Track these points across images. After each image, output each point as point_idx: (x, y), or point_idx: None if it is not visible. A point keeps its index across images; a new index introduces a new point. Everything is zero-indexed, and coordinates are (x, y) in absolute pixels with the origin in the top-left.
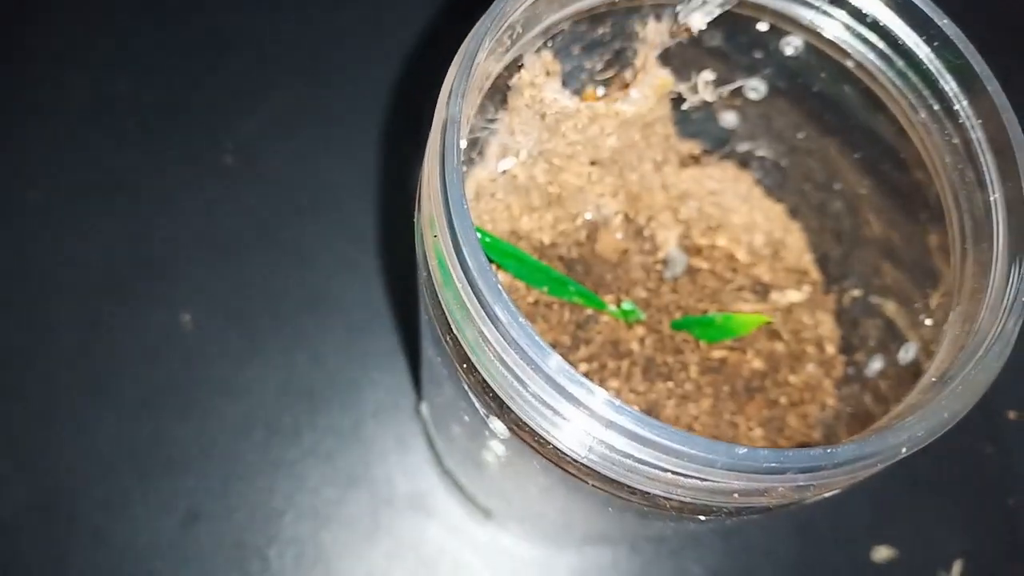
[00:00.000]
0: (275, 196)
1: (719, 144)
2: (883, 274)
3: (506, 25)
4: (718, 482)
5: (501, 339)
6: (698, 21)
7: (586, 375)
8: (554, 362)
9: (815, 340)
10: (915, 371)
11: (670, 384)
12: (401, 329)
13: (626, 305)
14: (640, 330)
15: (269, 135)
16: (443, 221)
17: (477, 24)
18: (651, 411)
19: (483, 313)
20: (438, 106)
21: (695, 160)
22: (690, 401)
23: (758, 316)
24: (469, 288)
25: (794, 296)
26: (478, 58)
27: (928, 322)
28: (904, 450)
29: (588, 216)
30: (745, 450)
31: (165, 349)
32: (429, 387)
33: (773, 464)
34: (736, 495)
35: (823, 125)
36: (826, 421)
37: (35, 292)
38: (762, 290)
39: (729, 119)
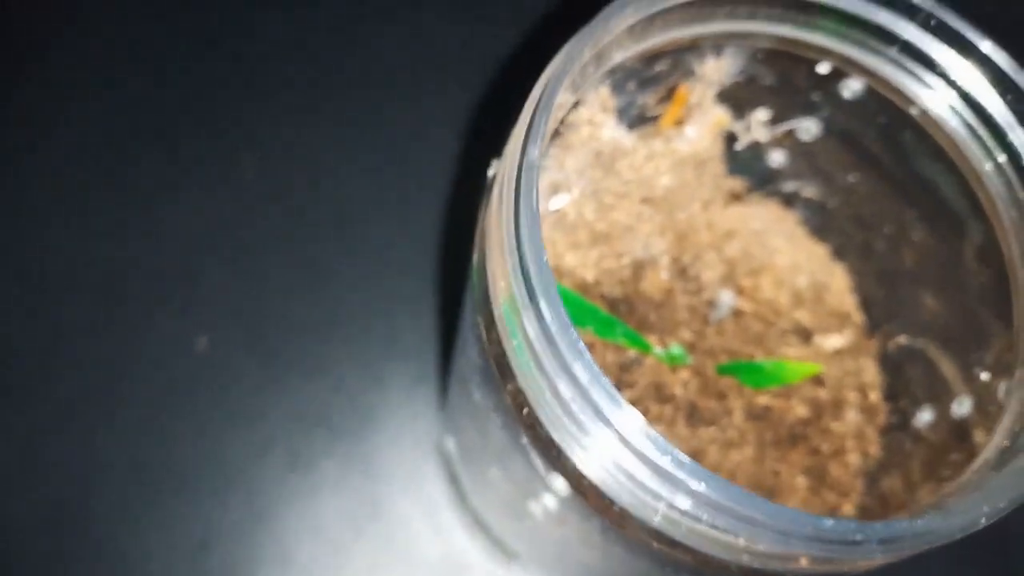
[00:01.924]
0: (298, 213)
1: (763, 182)
2: (931, 322)
3: (583, 62)
4: (794, 550)
5: (581, 399)
6: None
7: None
8: (635, 424)
9: (858, 386)
10: (964, 428)
11: (713, 430)
12: (427, 360)
13: (674, 349)
14: (684, 374)
15: (294, 148)
16: (519, 273)
17: (555, 61)
18: (694, 458)
19: (560, 371)
20: (510, 145)
21: (738, 198)
22: (733, 448)
23: (809, 365)
24: (546, 344)
25: (837, 341)
26: (556, 98)
27: (984, 376)
28: (984, 521)
29: (635, 255)
30: (832, 522)
31: (179, 373)
32: (463, 426)
33: (858, 537)
34: (804, 560)
35: (876, 169)
36: (869, 470)
37: (48, 303)
38: (805, 334)
39: (777, 158)
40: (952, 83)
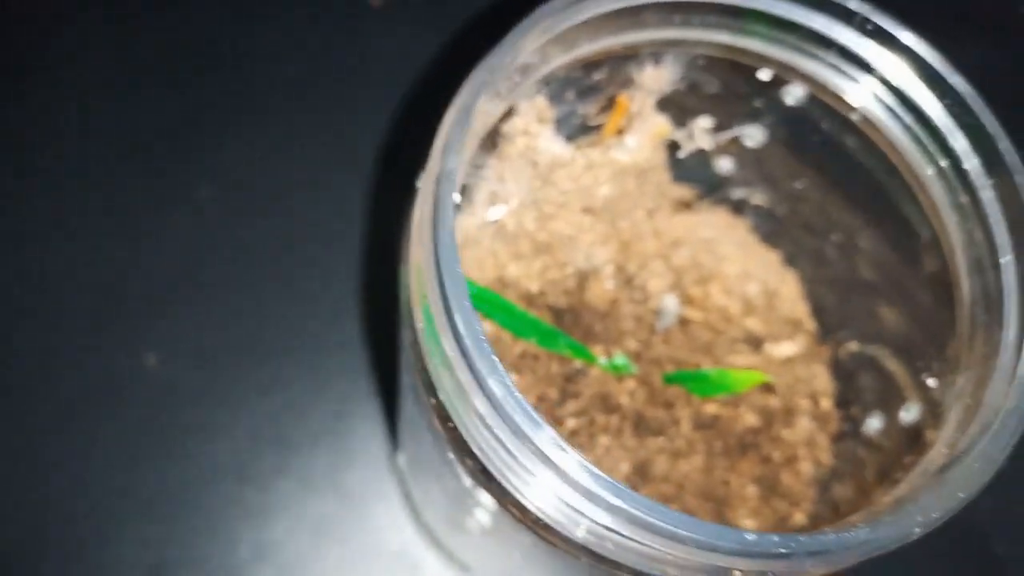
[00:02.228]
0: (250, 231)
1: (712, 189)
2: (882, 329)
3: (508, 71)
4: (722, 563)
5: (494, 413)
6: None
7: (574, 431)
8: (549, 437)
9: (810, 393)
10: (916, 432)
11: (661, 440)
12: (378, 375)
13: (618, 359)
14: (630, 383)
15: (246, 167)
16: (435, 285)
17: (474, 73)
18: (642, 468)
19: (475, 385)
20: (432, 157)
21: (687, 206)
22: (682, 458)
23: (756, 374)
24: (461, 357)
25: (788, 348)
26: (475, 110)
27: (932, 383)
28: (918, 530)
29: (578, 264)
30: (754, 536)
31: (128, 391)
32: (409, 442)
33: (783, 550)
34: (738, 574)
35: (823, 175)
36: (821, 478)
37: None
38: (755, 342)
39: (724, 165)
40: (891, 87)
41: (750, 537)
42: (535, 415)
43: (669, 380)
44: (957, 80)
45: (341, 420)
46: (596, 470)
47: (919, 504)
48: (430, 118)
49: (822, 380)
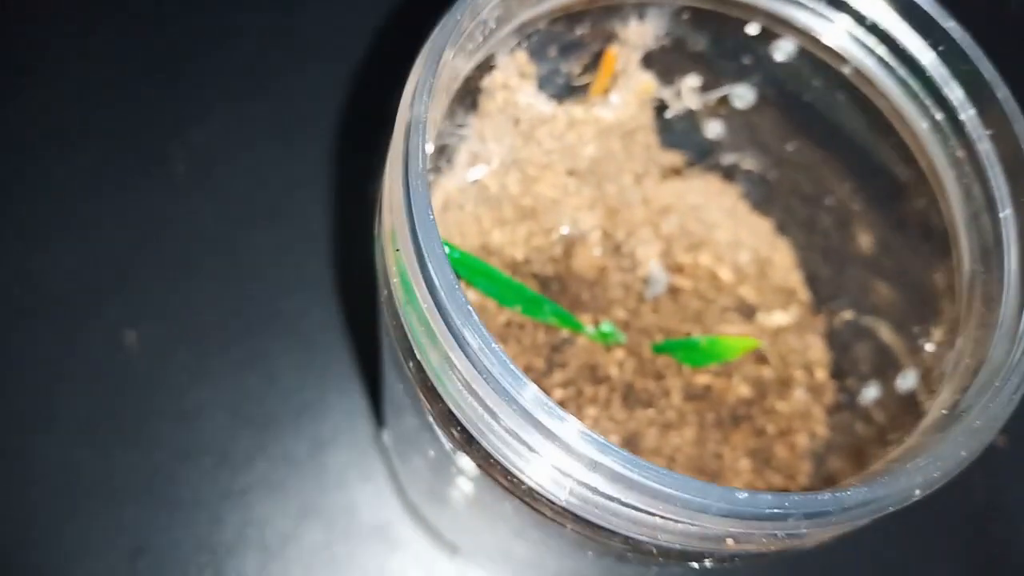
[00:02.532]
0: (227, 208)
1: (702, 155)
2: (877, 295)
3: (477, 19)
4: (712, 528)
5: (471, 366)
6: None
7: (561, 402)
8: (530, 393)
9: (804, 364)
10: (913, 400)
11: (651, 412)
12: (360, 350)
13: (605, 327)
14: (619, 353)
15: (221, 143)
16: (406, 233)
17: (444, 16)
18: (631, 441)
19: (450, 337)
20: (401, 107)
21: (677, 172)
22: (672, 430)
23: (746, 340)
24: (435, 308)
25: (781, 318)
26: (446, 54)
27: (929, 347)
28: (918, 492)
29: (564, 230)
30: (745, 495)
31: (107, 370)
32: (391, 414)
33: (776, 510)
34: (731, 541)
35: (814, 136)
36: (816, 451)
37: None
38: (748, 311)
39: (714, 129)
40: (883, 36)
41: (741, 495)
42: (512, 366)
43: (658, 350)
44: (951, 25)
45: (323, 399)
46: (578, 423)
47: (919, 464)
48: (400, 79)
49: (817, 350)
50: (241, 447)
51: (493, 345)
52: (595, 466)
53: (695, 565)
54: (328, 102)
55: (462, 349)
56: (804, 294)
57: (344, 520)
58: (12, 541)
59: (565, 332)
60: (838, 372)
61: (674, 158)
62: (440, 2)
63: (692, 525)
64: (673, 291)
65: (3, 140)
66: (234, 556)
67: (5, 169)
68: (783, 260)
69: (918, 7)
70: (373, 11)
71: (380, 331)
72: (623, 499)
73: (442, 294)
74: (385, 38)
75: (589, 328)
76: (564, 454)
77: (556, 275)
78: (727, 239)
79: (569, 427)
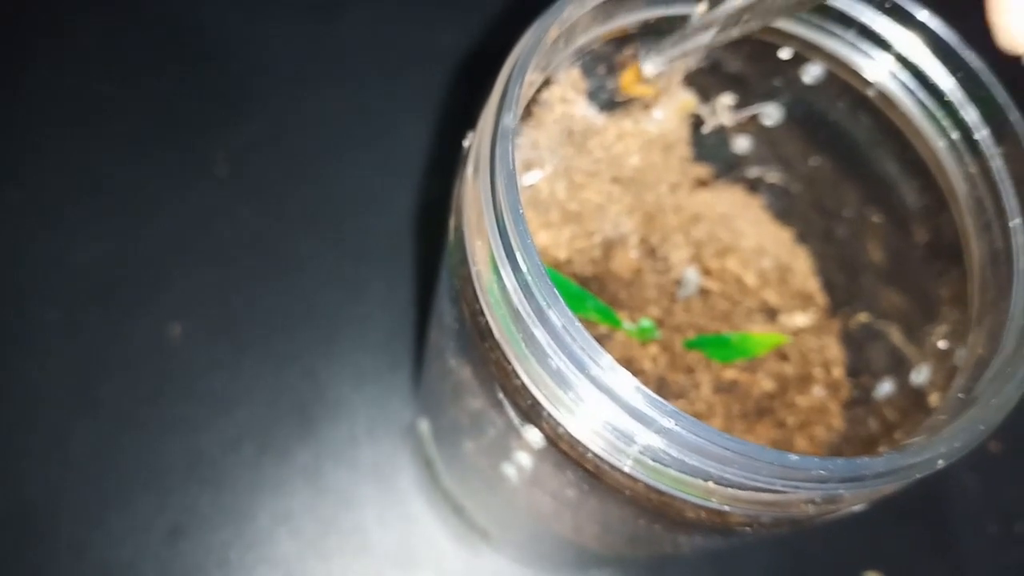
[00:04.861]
0: (268, 206)
1: (728, 168)
2: (889, 301)
3: (555, 39)
4: (760, 490)
5: (555, 343)
6: (650, 69)
7: None
8: (607, 362)
9: (822, 363)
10: (922, 397)
11: (682, 403)
12: (399, 347)
13: (644, 323)
14: (653, 348)
15: (264, 144)
16: (495, 231)
17: (527, 35)
18: None
19: (534, 316)
20: (484, 116)
21: (705, 184)
22: (702, 419)
23: (773, 336)
24: (520, 290)
25: (801, 319)
26: (530, 69)
27: (938, 347)
28: (941, 462)
29: (605, 234)
30: (797, 457)
31: (152, 360)
32: (438, 401)
33: (822, 472)
34: (772, 506)
35: (836, 153)
36: (832, 442)
37: (15, 296)
38: (771, 313)
39: (742, 144)
40: (906, 63)
41: (793, 457)
42: (593, 341)
43: (690, 346)
44: (969, 55)
45: (359, 390)
46: (649, 391)
47: (943, 436)
48: (460, 95)
49: (833, 350)
50: (280, 437)
51: (576, 324)
52: (663, 431)
53: (731, 532)
54: (372, 110)
55: (548, 329)
56: (821, 298)
57: (377, 508)
58: (51, 519)
59: (603, 328)
60: (853, 370)
61: (703, 170)
62: (507, 25)
63: (742, 489)
64: (703, 293)
65: (57, 138)
66: (272, 542)
67: (67, 171)
68: (802, 267)
69: (941, 39)
70: (416, 21)
71: (430, 327)
72: (687, 460)
73: (529, 280)
74: (425, 51)
75: (628, 324)
76: (634, 421)
77: (595, 275)
78: (752, 246)
79: (641, 395)
